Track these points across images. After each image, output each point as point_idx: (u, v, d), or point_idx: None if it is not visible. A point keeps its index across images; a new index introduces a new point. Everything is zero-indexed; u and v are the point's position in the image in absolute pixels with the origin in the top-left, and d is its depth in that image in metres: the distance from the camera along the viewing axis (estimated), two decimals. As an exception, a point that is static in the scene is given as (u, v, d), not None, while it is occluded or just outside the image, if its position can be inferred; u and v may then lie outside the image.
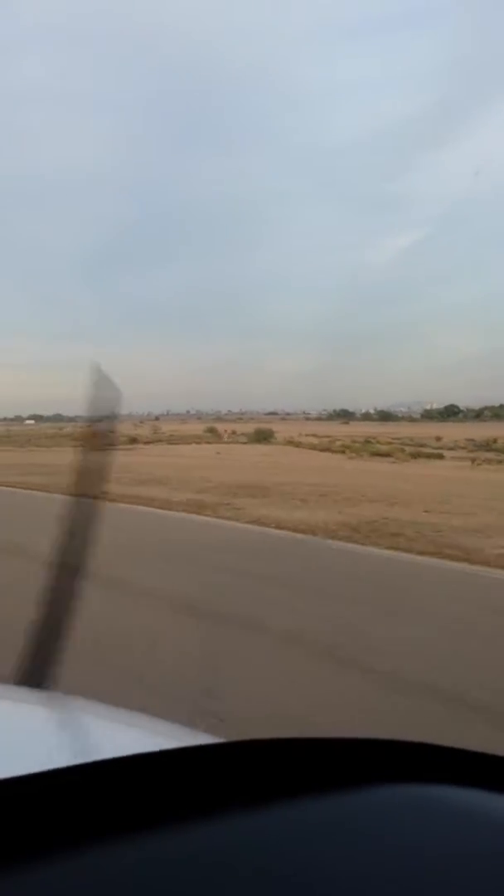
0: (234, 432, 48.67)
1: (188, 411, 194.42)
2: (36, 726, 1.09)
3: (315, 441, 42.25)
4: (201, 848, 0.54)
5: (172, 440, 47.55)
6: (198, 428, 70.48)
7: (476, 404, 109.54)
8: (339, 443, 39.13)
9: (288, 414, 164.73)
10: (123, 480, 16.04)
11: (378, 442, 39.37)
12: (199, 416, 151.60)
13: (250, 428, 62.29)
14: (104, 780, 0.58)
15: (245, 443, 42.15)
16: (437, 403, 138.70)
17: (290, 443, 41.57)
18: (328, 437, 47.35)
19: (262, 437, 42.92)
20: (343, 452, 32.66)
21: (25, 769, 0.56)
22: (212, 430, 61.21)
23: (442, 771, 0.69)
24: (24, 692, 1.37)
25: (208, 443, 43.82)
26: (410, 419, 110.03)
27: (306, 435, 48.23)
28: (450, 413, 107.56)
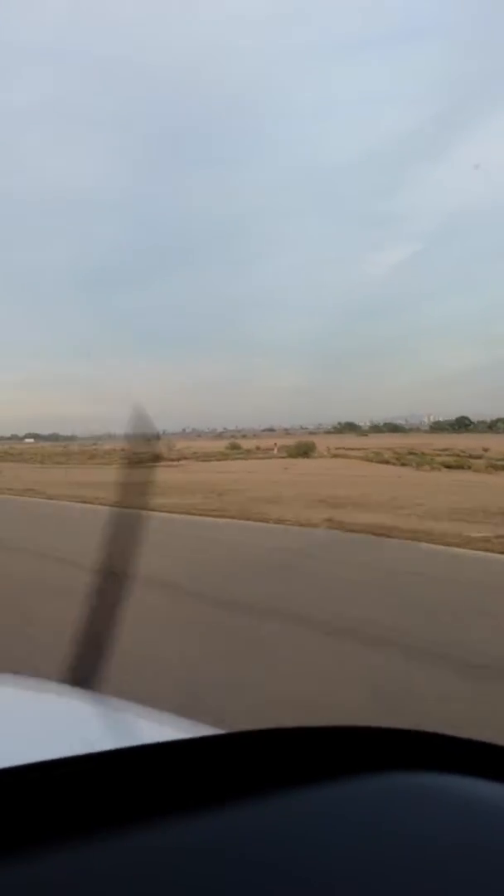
0: (276, 445, 46.08)
1: (184, 429, 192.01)
2: (37, 716, 1.11)
3: (359, 454, 40.03)
4: (203, 838, 0.55)
5: (206, 457, 45.17)
6: (213, 445, 68.22)
7: (473, 417, 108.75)
8: (387, 454, 36.88)
9: (286, 430, 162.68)
10: (260, 500, 13.87)
11: (423, 454, 37.08)
12: (199, 434, 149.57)
13: (270, 442, 60.08)
14: (105, 771, 0.58)
15: (287, 456, 39.74)
16: (435, 416, 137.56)
17: (337, 456, 39.24)
18: (361, 448, 45.17)
19: (304, 450, 40.53)
20: (405, 464, 30.35)
21: (26, 759, 0.56)
22: (235, 447, 58.73)
23: (443, 760, 0.69)
24: (25, 681, 1.42)
25: (244, 459, 41.46)
26: (419, 431, 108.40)
27: (340, 448, 45.86)
28: (461, 425, 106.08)
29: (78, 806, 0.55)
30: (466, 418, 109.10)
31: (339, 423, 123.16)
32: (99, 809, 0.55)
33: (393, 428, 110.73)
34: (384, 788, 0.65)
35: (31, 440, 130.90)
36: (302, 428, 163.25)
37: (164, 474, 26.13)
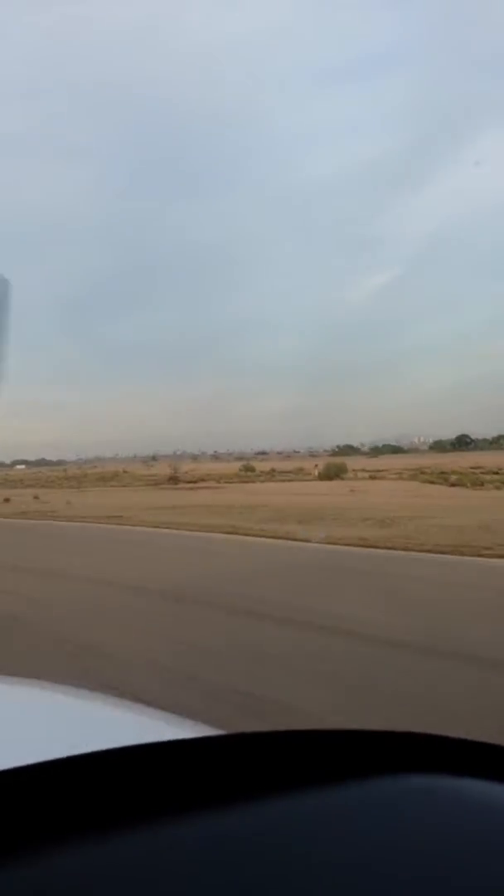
0: (316, 467, 45.26)
1: (174, 452, 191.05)
2: (37, 716, 1.12)
3: (394, 475, 39.57)
4: (203, 839, 0.55)
5: (228, 479, 44.40)
6: (222, 468, 67.33)
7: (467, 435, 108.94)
8: (427, 475, 36.47)
9: (279, 453, 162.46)
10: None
11: (462, 473, 36.74)
12: (195, 457, 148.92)
13: (291, 465, 59.37)
14: (105, 771, 0.58)
15: (318, 479, 39.17)
16: (423, 437, 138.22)
17: (375, 478, 38.71)
18: (387, 470, 44.71)
19: (336, 472, 40.00)
20: (454, 485, 29.92)
21: (26, 760, 0.56)
22: (250, 468, 58.08)
23: (445, 761, 0.69)
24: (26, 683, 1.43)
25: (280, 481, 40.73)
26: (418, 451, 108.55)
27: (369, 470, 45.36)
28: (461, 443, 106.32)
29: (78, 807, 0.55)
30: (467, 436, 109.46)
31: (338, 447, 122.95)
32: (99, 810, 0.55)
33: (393, 449, 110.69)
34: (390, 791, 0.64)
35: (22, 466, 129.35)
36: (295, 451, 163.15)
37: (222, 497, 25.44)
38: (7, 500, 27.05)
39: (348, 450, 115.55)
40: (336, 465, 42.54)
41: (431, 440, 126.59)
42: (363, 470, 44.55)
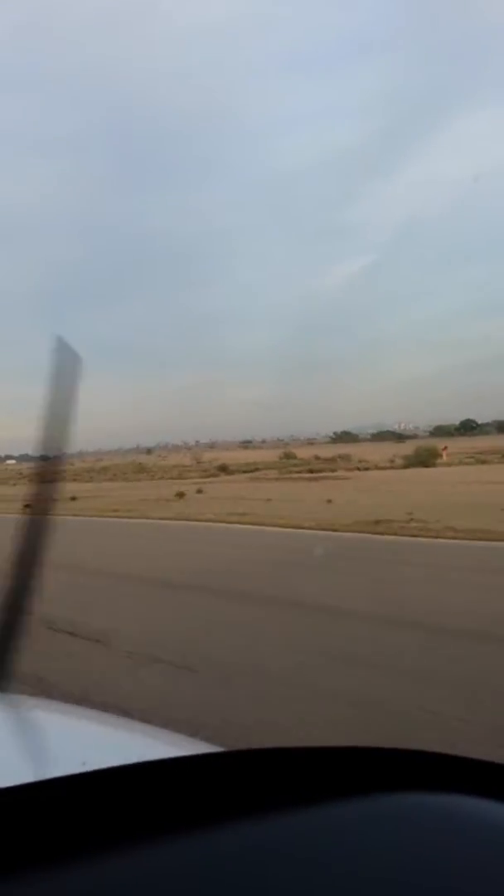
0: (445, 450, 40.63)
1: (158, 444, 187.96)
2: (35, 735, 1.12)
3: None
4: (201, 857, 0.55)
5: (285, 469, 39.84)
6: (252, 456, 62.67)
7: (440, 422, 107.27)
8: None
9: (264, 441, 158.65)
10: None
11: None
12: (189, 447, 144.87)
13: (328, 452, 54.93)
14: (103, 790, 0.58)
15: (407, 466, 34.96)
16: (405, 423, 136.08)
17: (465, 463, 34.75)
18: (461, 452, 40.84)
19: (424, 457, 35.84)
20: None
21: (24, 778, 0.56)
22: (289, 455, 53.48)
23: (444, 780, 0.68)
24: (24, 700, 1.41)
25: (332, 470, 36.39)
26: (416, 437, 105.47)
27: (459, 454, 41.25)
28: (466, 427, 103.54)
29: (77, 826, 0.54)
30: (472, 421, 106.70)
31: (335, 433, 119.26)
32: (98, 828, 0.54)
33: (396, 436, 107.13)
34: (383, 808, 0.64)
35: (13, 461, 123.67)
36: (279, 440, 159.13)
37: (406, 488, 21.27)
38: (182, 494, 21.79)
39: (346, 436, 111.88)
40: (428, 449, 38.11)
41: (416, 426, 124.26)
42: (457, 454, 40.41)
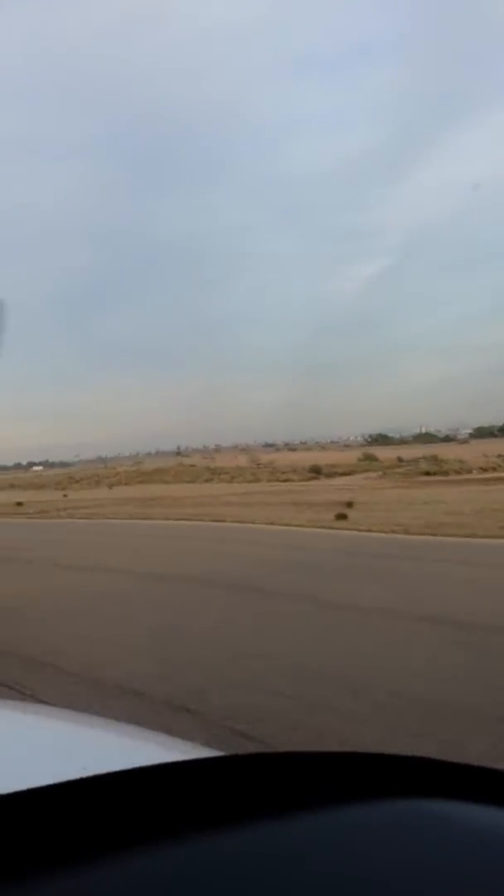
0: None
1: (178, 447, 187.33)
2: (37, 740, 1.13)
3: None
4: (201, 862, 0.55)
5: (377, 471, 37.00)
6: (330, 458, 59.87)
7: (458, 426, 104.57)
8: None
9: (287, 443, 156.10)
10: None
11: None
12: (218, 449, 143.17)
13: (417, 452, 52.01)
14: (104, 795, 0.59)
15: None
16: (427, 426, 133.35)
17: None
18: None
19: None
20: None
21: (25, 784, 0.57)
22: (369, 457, 50.60)
23: (445, 786, 0.69)
24: (23, 706, 1.50)
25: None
26: (455, 440, 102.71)
27: None
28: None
29: (77, 830, 0.55)
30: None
31: (370, 436, 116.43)
32: (99, 834, 0.55)
33: (428, 438, 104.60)
34: (385, 814, 0.64)
35: (39, 468, 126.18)
36: (302, 443, 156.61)
37: None
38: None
39: (382, 438, 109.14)
40: None
41: (485, 426, 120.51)
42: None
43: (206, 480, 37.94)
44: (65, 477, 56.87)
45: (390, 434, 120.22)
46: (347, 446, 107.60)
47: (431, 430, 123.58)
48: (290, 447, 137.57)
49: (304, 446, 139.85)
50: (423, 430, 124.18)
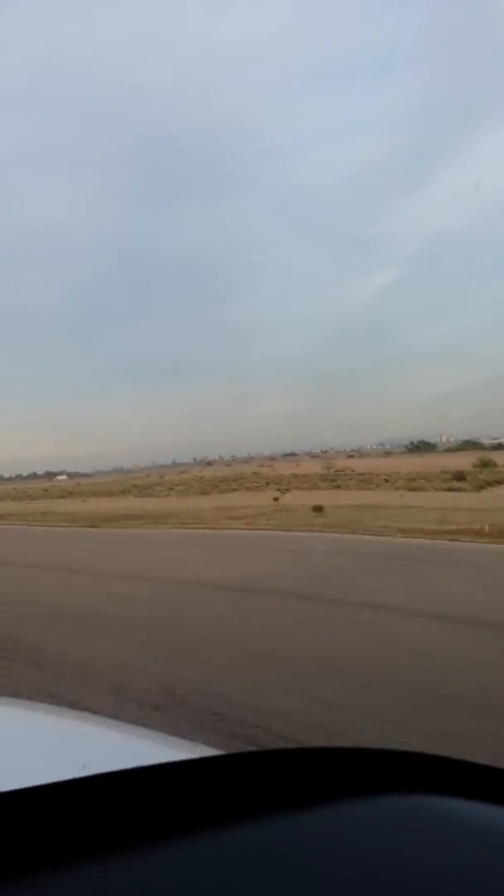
0: None
1: (194, 459, 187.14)
2: (37, 739, 1.13)
3: None
4: (201, 860, 0.55)
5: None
6: (394, 464, 55.29)
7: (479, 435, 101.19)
8: None
9: (310, 453, 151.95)
10: None
11: None
12: (245, 459, 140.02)
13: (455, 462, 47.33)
14: (105, 793, 0.59)
15: None
16: (447, 435, 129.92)
17: None
18: None
19: None
20: None
21: (27, 782, 0.57)
22: (488, 463, 45.48)
23: (445, 783, 0.69)
24: (24, 705, 1.44)
25: None
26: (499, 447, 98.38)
27: None
28: None
29: (81, 829, 0.55)
30: None
31: (412, 443, 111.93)
32: (99, 832, 0.55)
33: (472, 445, 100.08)
34: (384, 810, 0.65)
35: (63, 477, 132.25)
36: (323, 451, 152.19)
37: None
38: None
39: (424, 446, 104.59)
40: None
41: (486, 436, 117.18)
42: None
43: (336, 487, 32.90)
44: (147, 484, 52.21)
45: (390, 443, 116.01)
46: (389, 453, 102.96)
47: (453, 438, 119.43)
48: (313, 455, 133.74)
49: (326, 455, 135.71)
50: (445, 439, 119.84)
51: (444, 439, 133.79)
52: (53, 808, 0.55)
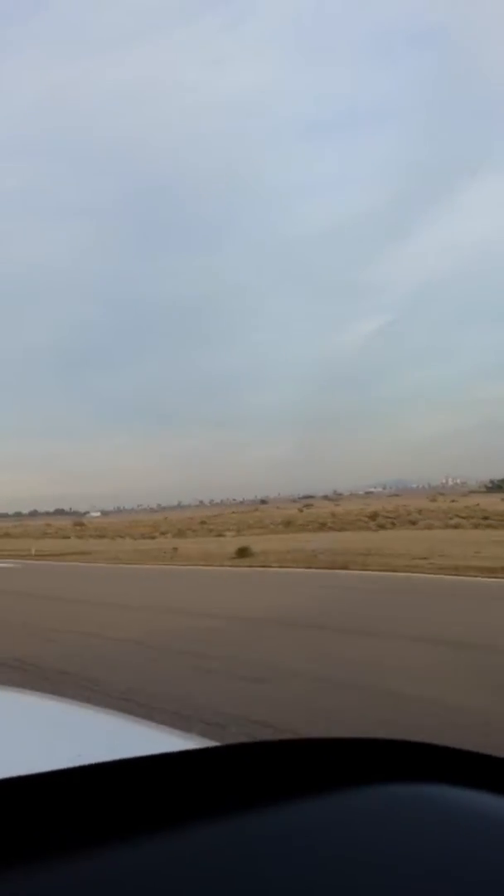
0: None
1: (179, 503, 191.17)
2: (30, 727, 1.14)
3: None
4: (196, 851, 0.55)
5: None
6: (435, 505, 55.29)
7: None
8: None
9: (326, 495, 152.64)
10: None
11: None
12: (279, 501, 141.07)
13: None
14: (98, 783, 0.59)
15: None
16: (452, 478, 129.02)
17: None
18: None
19: None
20: None
21: (18, 771, 0.57)
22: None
23: (441, 771, 0.69)
24: (22, 694, 1.44)
25: None
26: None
27: None
28: None
29: (77, 819, 0.55)
30: None
31: (492, 482, 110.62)
32: (93, 822, 0.55)
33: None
34: (380, 799, 0.65)
35: (97, 513, 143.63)
36: (336, 493, 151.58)
37: None
38: None
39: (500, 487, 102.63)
40: None
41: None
42: None
43: (411, 524, 33.86)
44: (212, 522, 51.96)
45: (376, 487, 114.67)
46: (464, 494, 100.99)
47: (456, 480, 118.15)
48: (330, 499, 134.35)
49: (341, 497, 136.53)
50: (448, 482, 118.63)
51: (447, 481, 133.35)
52: (48, 798, 0.55)
